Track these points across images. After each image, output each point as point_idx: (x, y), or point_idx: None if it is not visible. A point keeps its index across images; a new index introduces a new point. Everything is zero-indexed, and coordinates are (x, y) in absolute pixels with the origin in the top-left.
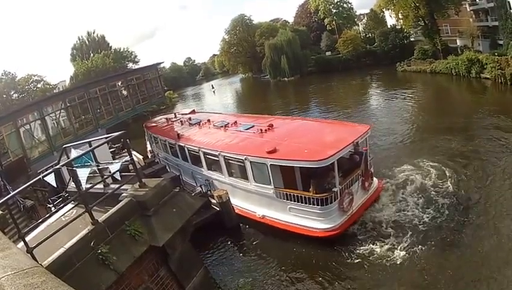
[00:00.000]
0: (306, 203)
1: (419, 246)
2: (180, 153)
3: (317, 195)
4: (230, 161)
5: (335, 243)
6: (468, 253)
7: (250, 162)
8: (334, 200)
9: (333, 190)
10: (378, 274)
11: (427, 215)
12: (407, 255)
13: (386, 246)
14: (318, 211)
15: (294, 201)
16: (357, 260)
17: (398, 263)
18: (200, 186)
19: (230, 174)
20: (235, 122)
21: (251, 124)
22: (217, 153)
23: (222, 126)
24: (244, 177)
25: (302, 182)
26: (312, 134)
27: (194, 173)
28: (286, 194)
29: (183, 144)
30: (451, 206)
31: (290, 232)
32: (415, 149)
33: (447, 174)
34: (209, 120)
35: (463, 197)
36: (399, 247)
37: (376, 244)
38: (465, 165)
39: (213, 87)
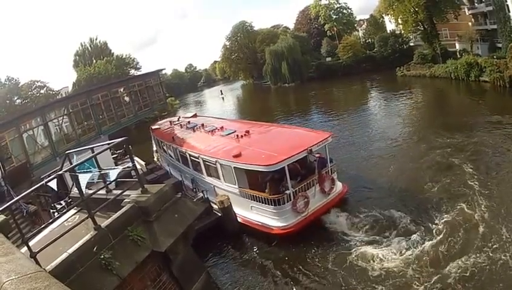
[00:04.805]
0: (264, 203)
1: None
2: (175, 155)
3: (271, 196)
4: (207, 163)
5: (329, 248)
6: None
7: (220, 164)
8: (287, 202)
9: (286, 192)
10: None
11: (392, 218)
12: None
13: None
14: (273, 211)
15: (255, 201)
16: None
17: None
18: (202, 191)
19: (209, 175)
20: (222, 127)
21: (233, 129)
22: (197, 156)
23: (210, 131)
24: (218, 177)
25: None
26: (277, 140)
27: (184, 172)
28: (248, 193)
29: (176, 147)
30: (426, 209)
31: (252, 228)
32: (407, 153)
33: (436, 179)
34: (203, 124)
35: (440, 202)
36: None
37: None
38: (456, 169)
39: (222, 93)
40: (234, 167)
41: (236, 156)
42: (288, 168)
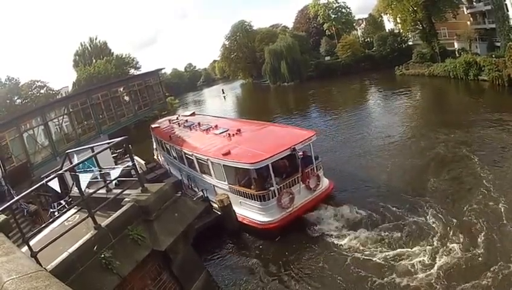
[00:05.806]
0: (251, 198)
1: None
2: (173, 154)
3: (257, 192)
4: (200, 161)
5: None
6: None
7: (211, 162)
8: (272, 198)
9: (270, 188)
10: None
11: (389, 216)
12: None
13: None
14: (259, 206)
15: (243, 197)
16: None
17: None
18: (202, 190)
19: (202, 172)
20: (216, 126)
21: (226, 128)
22: (191, 154)
23: (205, 129)
24: (209, 174)
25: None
26: (265, 139)
27: (182, 170)
28: (237, 190)
29: (173, 145)
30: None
31: (241, 223)
32: (406, 150)
33: (436, 175)
34: (199, 123)
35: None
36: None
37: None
38: (457, 166)
39: (223, 92)
40: (223, 165)
41: (225, 154)
42: (275, 166)
